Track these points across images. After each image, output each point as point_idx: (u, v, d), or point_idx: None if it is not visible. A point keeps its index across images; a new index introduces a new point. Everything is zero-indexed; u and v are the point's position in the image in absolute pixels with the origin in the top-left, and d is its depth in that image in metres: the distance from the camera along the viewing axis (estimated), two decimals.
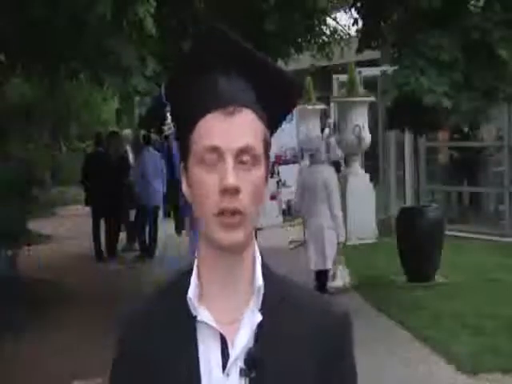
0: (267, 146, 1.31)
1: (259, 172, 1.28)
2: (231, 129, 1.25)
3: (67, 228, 15.26)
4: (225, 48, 1.32)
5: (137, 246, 12.38)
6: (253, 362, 1.25)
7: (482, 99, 8.17)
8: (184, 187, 1.33)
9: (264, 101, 1.32)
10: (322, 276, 7.87)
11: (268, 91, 1.32)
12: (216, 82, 1.30)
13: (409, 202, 12.69)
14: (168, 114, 1.43)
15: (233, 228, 1.25)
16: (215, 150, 1.25)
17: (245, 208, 1.25)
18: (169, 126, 1.44)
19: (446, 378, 6.19)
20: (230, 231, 1.25)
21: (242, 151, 1.25)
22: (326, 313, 1.36)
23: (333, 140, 13.24)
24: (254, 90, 1.31)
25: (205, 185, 1.25)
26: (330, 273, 8.05)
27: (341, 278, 8.40)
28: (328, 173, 7.72)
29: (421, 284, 8.92)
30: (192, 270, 1.34)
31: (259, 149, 1.28)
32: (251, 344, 1.27)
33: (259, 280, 1.30)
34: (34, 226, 11.07)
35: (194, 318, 1.29)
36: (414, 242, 9.10)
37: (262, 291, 1.30)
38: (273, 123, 1.36)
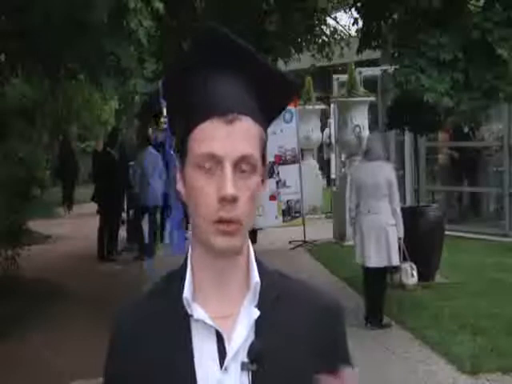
0: (264, 149, 1.31)
1: (256, 178, 1.28)
2: (230, 137, 1.25)
3: (67, 228, 15.27)
4: (225, 50, 1.30)
5: (137, 245, 12.38)
6: (256, 356, 1.25)
7: (482, 99, 8.15)
8: (179, 186, 1.33)
9: (262, 101, 1.31)
10: (381, 272, 7.60)
11: (267, 92, 1.32)
12: (216, 87, 1.28)
13: (409, 202, 12.68)
14: (164, 108, 1.42)
15: (229, 235, 1.25)
16: (213, 157, 1.24)
17: (243, 217, 1.25)
18: (164, 120, 1.43)
19: (446, 378, 6.18)
20: (227, 237, 1.25)
21: (241, 160, 1.25)
22: (321, 305, 1.37)
23: None
24: (254, 92, 1.30)
25: (202, 191, 1.25)
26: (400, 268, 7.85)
27: (414, 274, 8.25)
28: (390, 169, 7.66)
29: (421, 284, 8.91)
30: (181, 269, 1.34)
31: (257, 156, 1.28)
32: (251, 339, 1.28)
33: (256, 277, 1.31)
34: (34, 226, 11.07)
35: (188, 317, 1.29)
36: (413, 242, 9.08)
37: (258, 287, 1.30)
38: (269, 119, 1.36)
